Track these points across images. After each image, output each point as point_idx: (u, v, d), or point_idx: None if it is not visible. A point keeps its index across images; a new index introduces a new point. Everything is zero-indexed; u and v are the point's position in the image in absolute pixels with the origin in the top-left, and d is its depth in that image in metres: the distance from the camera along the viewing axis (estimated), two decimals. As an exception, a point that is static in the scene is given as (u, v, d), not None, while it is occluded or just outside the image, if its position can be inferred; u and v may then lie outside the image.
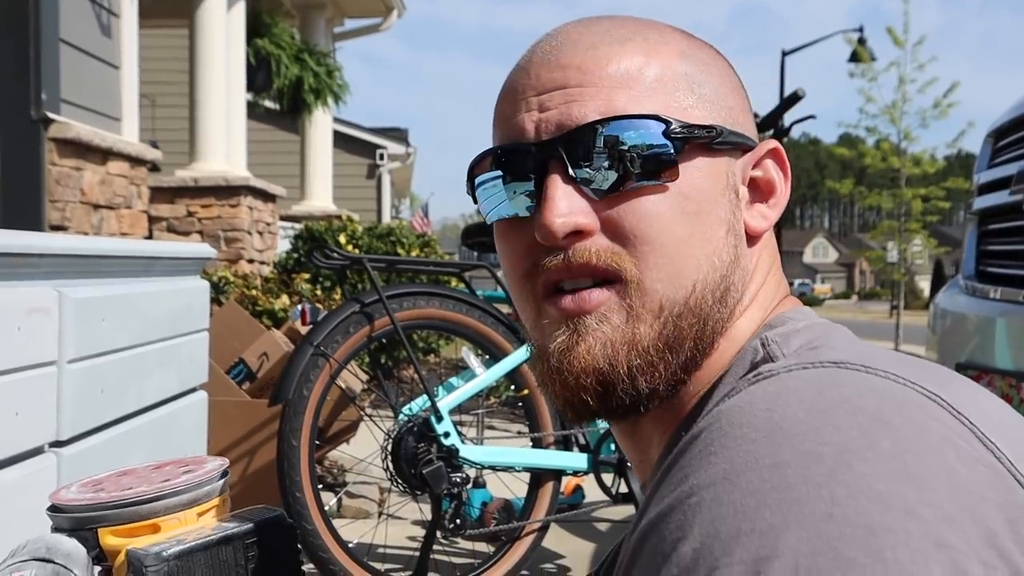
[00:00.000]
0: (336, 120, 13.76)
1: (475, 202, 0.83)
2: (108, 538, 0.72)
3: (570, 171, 0.74)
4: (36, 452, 1.74)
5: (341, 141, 15.73)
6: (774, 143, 0.81)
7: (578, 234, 0.74)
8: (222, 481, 0.77)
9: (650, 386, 0.74)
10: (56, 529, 0.74)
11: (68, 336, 1.81)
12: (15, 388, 1.64)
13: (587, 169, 0.74)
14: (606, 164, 0.74)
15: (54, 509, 0.75)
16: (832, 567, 0.52)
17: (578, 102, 0.75)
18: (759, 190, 0.82)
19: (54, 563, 0.69)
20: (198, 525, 0.74)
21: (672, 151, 0.74)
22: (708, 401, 0.73)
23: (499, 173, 0.79)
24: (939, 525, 0.54)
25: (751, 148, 0.80)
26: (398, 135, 19.03)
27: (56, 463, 1.78)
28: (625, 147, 0.73)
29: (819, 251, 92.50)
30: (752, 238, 0.80)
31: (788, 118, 4.08)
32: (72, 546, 0.71)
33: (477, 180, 0.82)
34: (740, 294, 0.78)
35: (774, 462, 0.57)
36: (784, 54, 21.20)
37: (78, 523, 0.73)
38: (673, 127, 0.74)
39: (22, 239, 1.72)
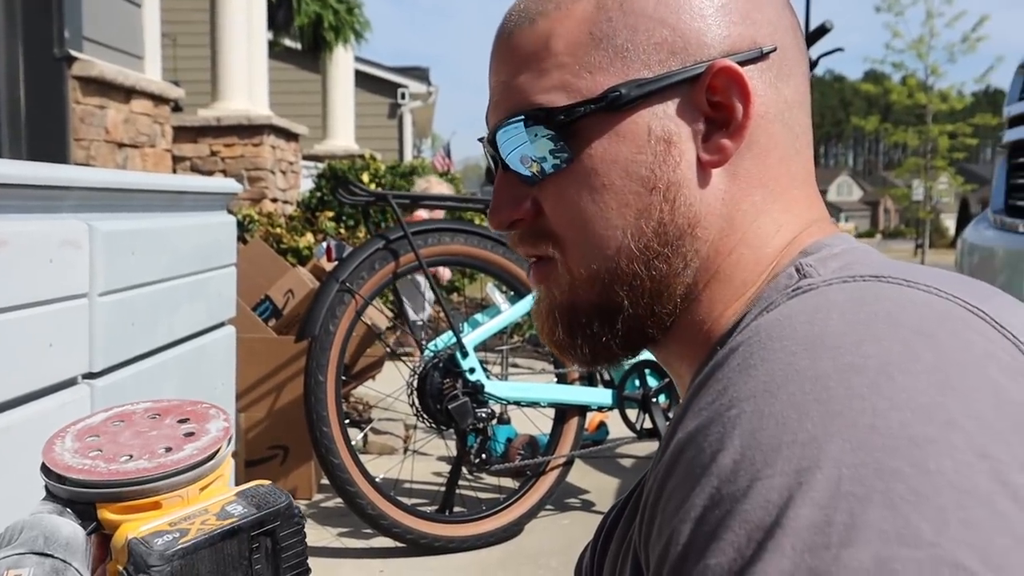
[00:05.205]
0: (357, 59, 13.69)
1: None
2: (106, 513, 0.69)
3: (504, 166, 0.80)
4: (70, 383, 1.76)
5: (362, 80, 15.65)
6: (722, 62, 0.73)
7: (518, 221, 0.79)
8: (228, 450, 0.72)
9: (597, 345, 0.79)
10: (50, 493, 0.71)
11: (99, 269, 1.82)
12: (49, 320, 1.66)
13: (515, 161, 0.78)
14: (520, 159, 0.78)
15: (47, 469, 0.70)
16: (875, 477, 0.52)
17: (496, 101, 0.79)
18: (722, 115, 0.75)
19: (53, 557, 0.66)
20: (201, 505, 0.69)
21: (560, 139, 0.74)
22: (738, 322, 0.71)
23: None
24: (982, 437, 0.53)
25: (696, 77, 0.73)
26: (419, 74, 18.91)
27: (90, 394, 1.80)
28: (526, 142, 0.76)
29: (843, 189, 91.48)
30: (710, 174, 0.75)
31: (815, 51, 4.03)
32: (70, 533, 0.68)
33: None
34: (702, 240, 0.75)
35: (815, 374, 0.57)
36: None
37: (75, 496, 0.69)
38: (556, 116, 0.74)
39: (53, 171, 1.73)
